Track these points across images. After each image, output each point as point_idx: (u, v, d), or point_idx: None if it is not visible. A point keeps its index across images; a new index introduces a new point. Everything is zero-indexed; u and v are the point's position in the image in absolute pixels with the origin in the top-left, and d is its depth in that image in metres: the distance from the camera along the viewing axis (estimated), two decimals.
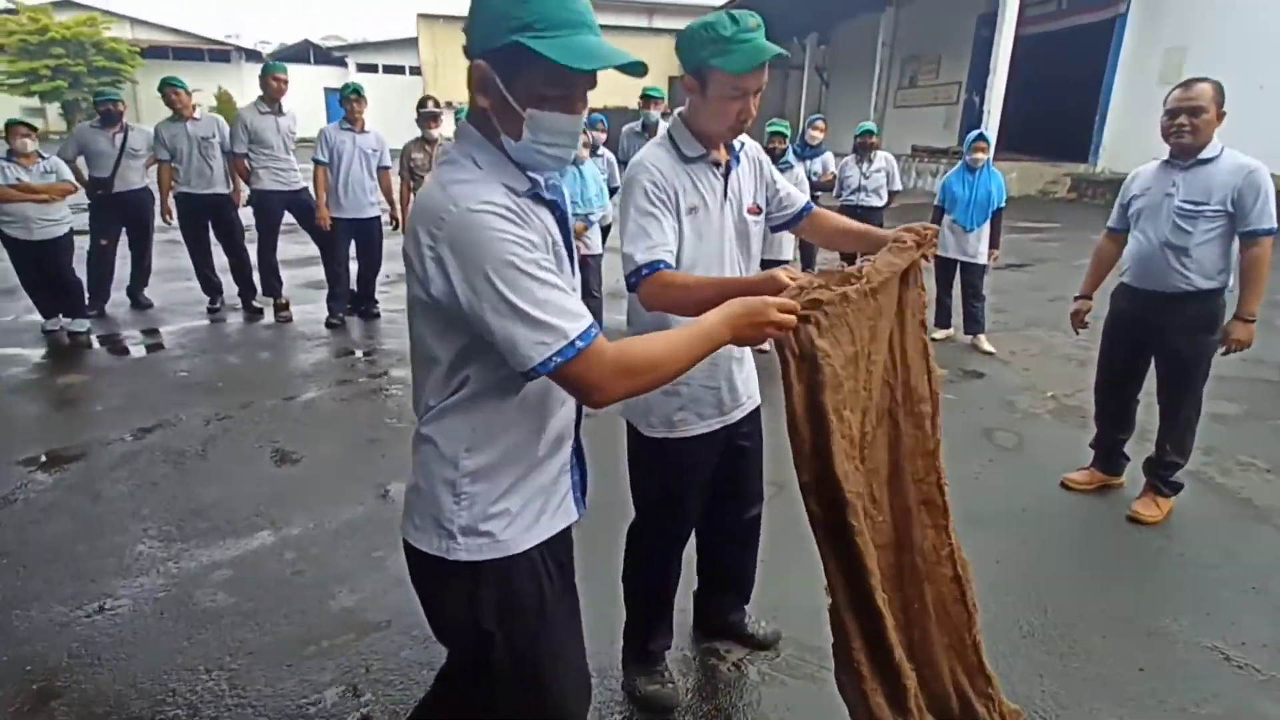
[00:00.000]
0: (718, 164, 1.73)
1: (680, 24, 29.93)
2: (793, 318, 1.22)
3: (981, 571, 2.71)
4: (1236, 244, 2.75)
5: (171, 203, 5.76)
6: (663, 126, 5.87)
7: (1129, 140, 14.71)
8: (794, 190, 1.93)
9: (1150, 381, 3.12)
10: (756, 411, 1.99)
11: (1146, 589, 2.66)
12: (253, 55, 35.39)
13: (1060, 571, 2.75)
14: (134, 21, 34.37)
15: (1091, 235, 10.58)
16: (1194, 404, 2.97)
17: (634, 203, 1.65)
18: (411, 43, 29.78)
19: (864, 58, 22.59)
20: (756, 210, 1.83)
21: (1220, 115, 2.66)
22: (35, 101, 30.36)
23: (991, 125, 14.47)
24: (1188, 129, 2.66)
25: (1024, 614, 2.49)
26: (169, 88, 5.54)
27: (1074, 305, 3.27)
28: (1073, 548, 2.93)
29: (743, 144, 1.82)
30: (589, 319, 1.09)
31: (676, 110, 1.76)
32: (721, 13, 1.55)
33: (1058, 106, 16.84)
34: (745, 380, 1.91)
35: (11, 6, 28.97)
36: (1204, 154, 2.70)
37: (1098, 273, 3.23)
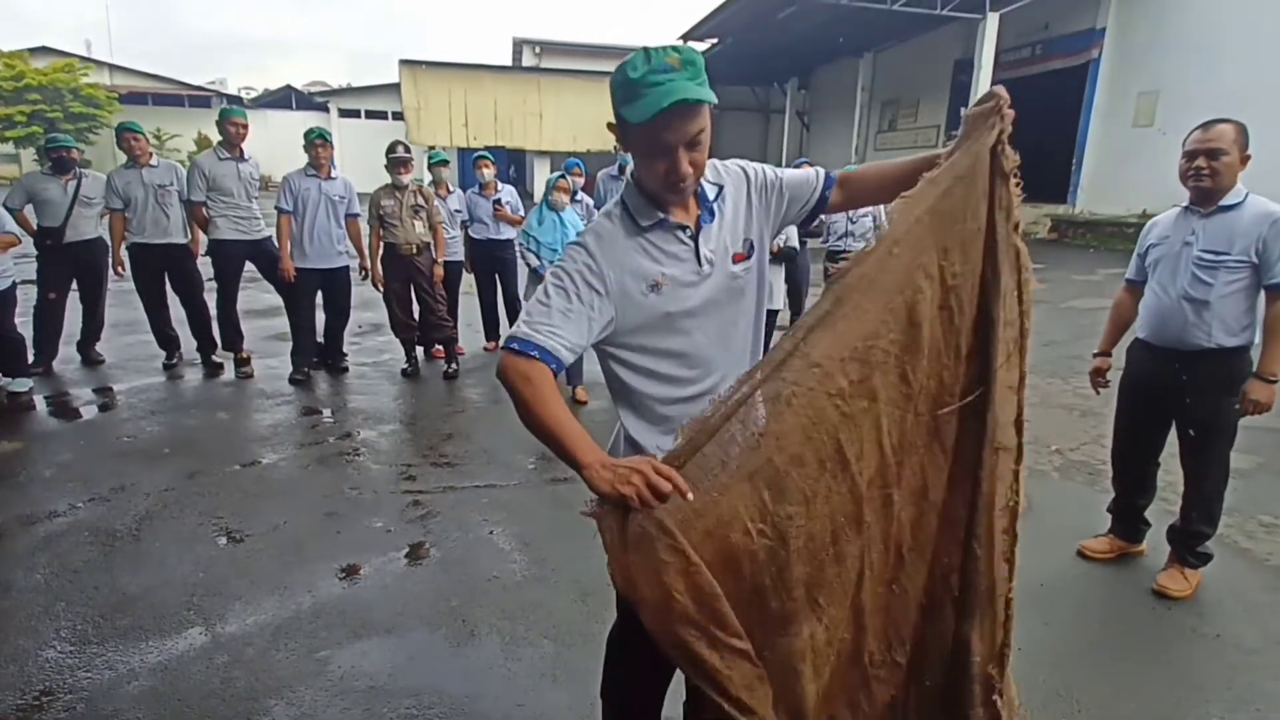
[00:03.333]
0: (683, 227, 1.41)
1: None
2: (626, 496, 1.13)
3: None
4: (1262, 297, 2.54)
5: (124, 254, 5.45)
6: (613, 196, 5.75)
7: (1106, 181, 14.89)
8: (803, 174, 1.58)
9: (1172, 443, 2.89)
10: None
11: (1183, 679, 2.38)
12: (234, 100, 35.37)
13: (1089, 659, 2.47)
14: (113, 68, 34.30)
15: (1075, 276, 10.60)
16: (1220, 469, 2.73)
17: (553, 273, 1.37)
18: (394, 88, 29.88)
19: (844, 102, 22.95)
20: (744, 255, 1.49)
21: (1244, 159, 2.46)
22: (10, 148, 30.08)
23: None
24: (1206, 172, 2.46)
25: (1054, 712, 2.20)
26: (127, 132, 5.29)
27: (1093, 363, 3.03)
28: (1099, 629, 2.65)
29: (720, 186, 1.48)
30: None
31: (630, 170, 1.44)
32: (640, 50, 1.25)
33: (1035, 148, 16.92)
34: None
35: None
36: (1225, 200, 2.50)
37: (1116, 327, 3.00)
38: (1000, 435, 1.26)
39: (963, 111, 1.34)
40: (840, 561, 1.28)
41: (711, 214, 1.45)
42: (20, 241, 4.96)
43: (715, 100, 1.26)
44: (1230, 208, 2.50)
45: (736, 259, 1.48)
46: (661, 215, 1.40)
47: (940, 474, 1.33)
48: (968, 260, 1.27)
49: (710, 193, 1.46)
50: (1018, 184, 1.27)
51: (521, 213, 6.14)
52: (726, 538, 1.22)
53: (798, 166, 5.63)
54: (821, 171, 1.60)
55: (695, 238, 1.42)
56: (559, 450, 1.26)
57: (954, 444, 1.33)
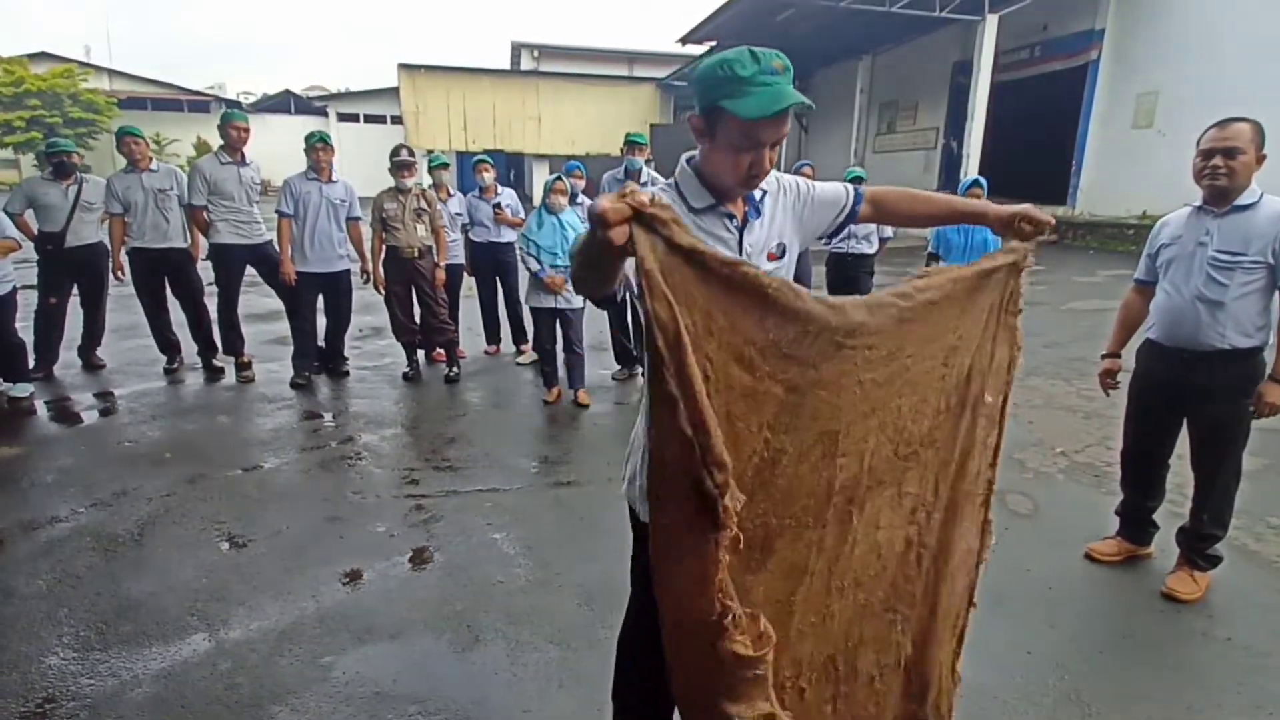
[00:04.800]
0: (731, 216, 1.49)
1: (660, 73, 30.45)
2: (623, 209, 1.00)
3: (1011, 664, 2.42)
4: (1277, 298, 2.52)
5: (124, 258, 5.43)
6: (646, 172, 5.72)
7: (1106, 183, 14.90)
8: (834, 190, 1.66)
9: (1181, 445, 2.87)
10: None
11: (1195, 683, 2.36)
12: (233, 105, 35.40)
13: (1098, 663, 2.45)
14: (112, 73, 34.33)
15: (1075, 277, 10.59)
16: (1232, 472, 2.71)
17: None
18: (393, 92, 29.90)
19: (842, 104, 22.95)
20: (776, 255, 1.58)
21: (1260, 158, 2.44)
22: (9, 153, 30.08)
23: (971, 169, 14.62)
24: (1223, 171, 2.44)
25: (1065, 716, 2.19)
26: (127, 137, 5.28)
27: (1102, 364, 3.01)
28: (1108, 633, 2.63)
29: (765, 190, 1.56)
30: None
31: (685, 156, 1.51)
32: (744, 49, 1.32)
33: (1035, 150, 17.07)
34: None
35: None
36: (1241, 200, 2.48)
37: (1126, 328, 2.98)
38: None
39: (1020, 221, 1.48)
40: (795, 542, 1.28)
41: (757, 212, 1.54)
42: (21, 246, 4.94)
43: (815, 107, 1.40)
44: (1246, 207, 2.48)
45: (770, 258, 1.57)
46: (714, 200, 1.47)
47: (894, 518, 1.40)
48: (970, 330, 1.39)
49: (757, 194, 1.54)
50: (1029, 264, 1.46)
51: (522, 216, 6.13)
52: (741, 396, 1.16)
53: (797, 170, 5.65)
54: (851, 189, 1.67)
55: (741, 229, 1.50)
56: (588, 249, 1.11)
57: (913, 494, 1.41)
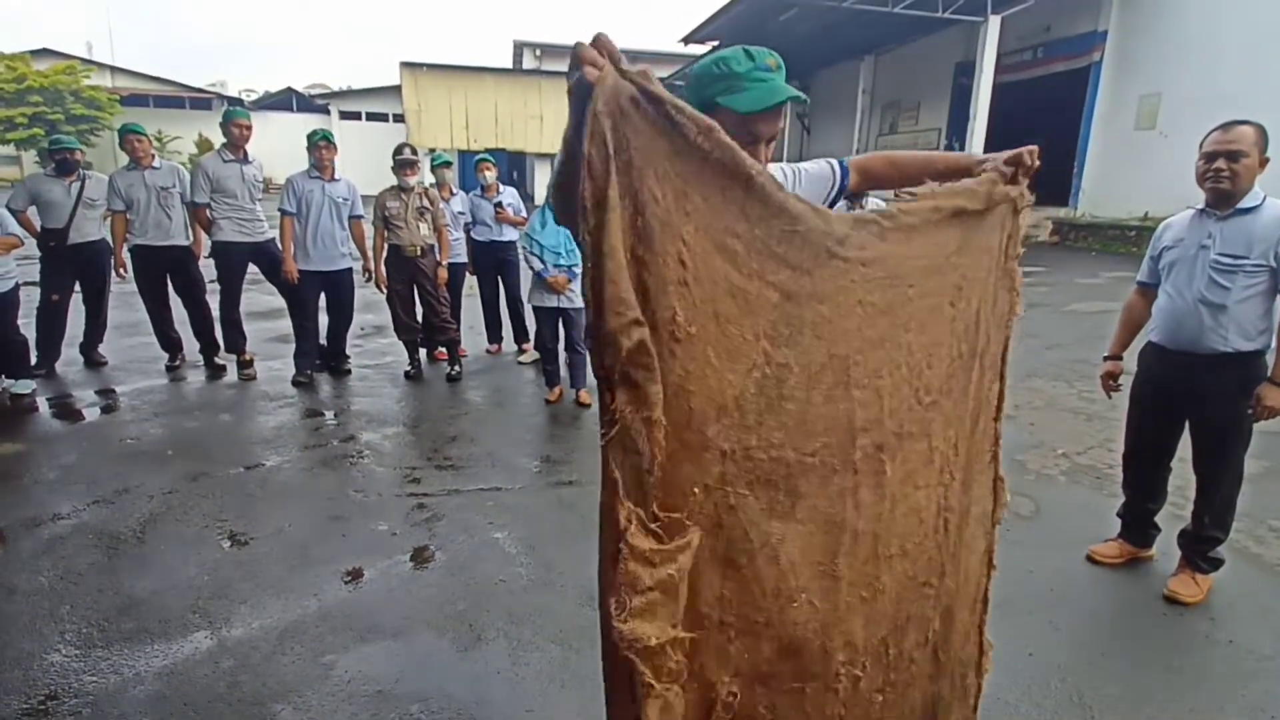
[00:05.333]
0: None
1: (663, 72, 30.34)
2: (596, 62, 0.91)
3: (1014, 666, 2.43)
4: (1279, 301, 2.52)
5: (126, 256, 5.44)
6: None
7: (1108, 184, 14.89)
8: (819, 170, 1.67)
9: (1184, 447, 2.87)
10: None
11: (1197, 685, 2.36)
12: (235, 102, 35.41)
13: (1100, 664, 2.45)
14: (114, 70, 34.38)
15: (1077, 279, 10.59)
16: (1234, 475, 2.71)
17: None
18: (394, 90, 29.93)
19: (845, 104, 22.96)
20: None
21: (1263, 161, 2.44)
22: (11, 150, 30.10)
23: None
24: (1226, 174, 2.44)
25: (1068, 719, 2.19)
26: (130, 134, 5.28)
27: (1104, 366, 3.01)
28: (1110, 635, 2.63)
29: None
30: None
31: None
32: (739, 48, 1.35)
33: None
34: None
35: None
36: (1243, 203, 2.47)
37: (1128, 331, 2.98)
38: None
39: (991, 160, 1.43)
40: (824, 486, 1.15)
41: None
42: (23, 243, 4.95)
43: (808, 100, 1.43)
44: (1248, 210, 2.48)
45: None
46: None
47: (929, 476, 1.30)
48: (973, 271, 1.30)
49: None
50: (1027, 205, 1.40)
51: (523, 214, 6.13)
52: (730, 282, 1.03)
53: None
54: (835, 162, 1.68)
55: None
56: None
57: (941, 450, 1.31)
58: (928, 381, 1.24)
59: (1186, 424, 2.80)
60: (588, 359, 5.29)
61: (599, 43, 0.94)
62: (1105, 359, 3.02)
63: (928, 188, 1.25)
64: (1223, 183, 2.45)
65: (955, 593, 1.38)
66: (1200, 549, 2.80)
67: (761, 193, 1.01)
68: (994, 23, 15.00)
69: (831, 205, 1.69)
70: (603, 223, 0.91)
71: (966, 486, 1.37)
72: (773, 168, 1.62)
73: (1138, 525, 3.04)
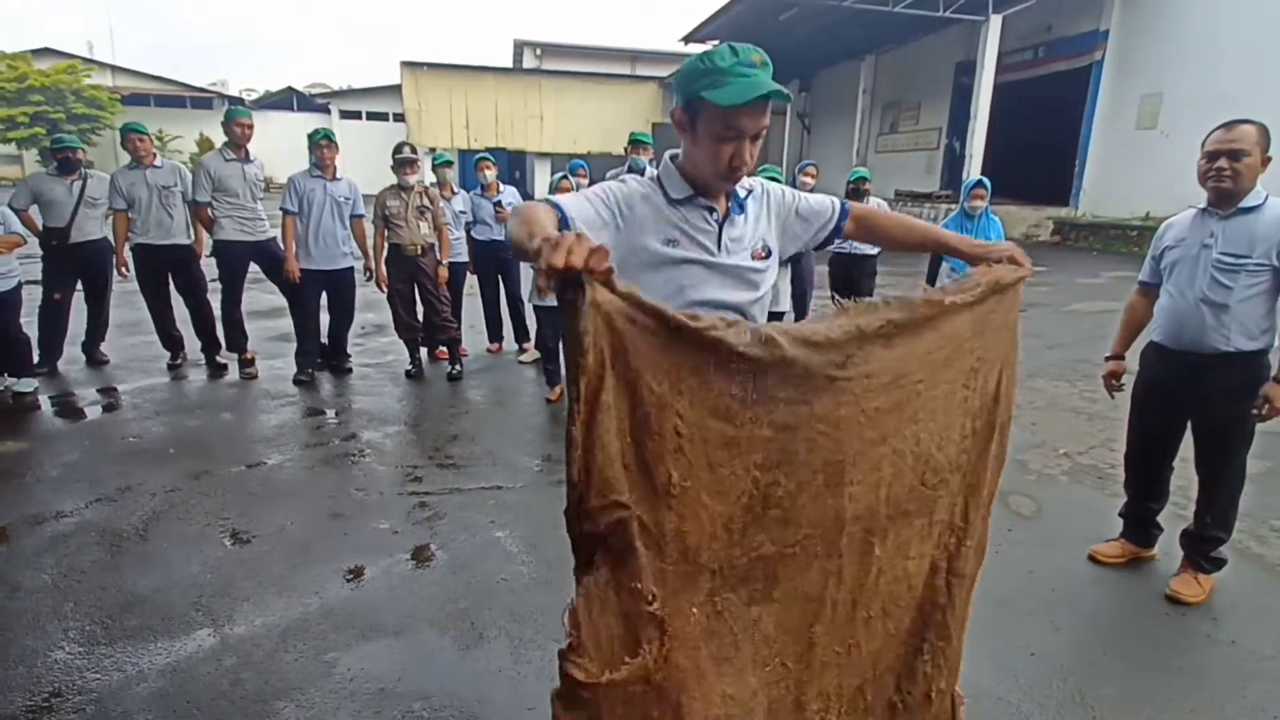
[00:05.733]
0: (711, 209, 1.49)
1: (663, 71, 30.42)
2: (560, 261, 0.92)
3: (1015, 665, 2.43)
4: None
5: (128, 254, 5.44)
6: (650, 171, 5.72)
7: (1109, 184, 14.90)
8: (821, 203, 1.66)
9: (1186, 447, 2.87)
10: None
11: (1199, 685, 2.36)
12: (236, 102, 35.42)
13: (1101, 664, 2.45)
14: (115, 69, 34.38)
15: (1078, 279, 10.59)
16: (1237, 474, 2.71)
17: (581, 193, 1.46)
18: (395, 89, 29.92)
19: (845, 104, 22.96)
20: (762, 255, 1.57)
21: (1265, 160, 2.44)
22: (12, 149, 30.11)
23: (973, 170, 14.62)
24: (1228, 173, 2.43)
25: (1070, 719, 2.20)
26: (132, 134, 5.28)
27: (1106, 366, 3.01)
28: (1112, 634, 2.64)
29: (750, 190, 1.57)
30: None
31: (668, 153, 1.52)
32: (725, 44, 1.35)
33: (1037, 151, 17.07)
34: None
35: None
36: (1245, 202, 2.47)
37: (1130, 330, 2.98)
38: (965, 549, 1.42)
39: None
40: (804, 570, 1.24)
41: (740, 209, 1.53)
42: (25, 242, 4.96)
43: (791, 98, 1.35)
44: (1250, 209, 2.48)
45: (756, 256, 1.56)
46: (693, 192, 1.47)
47: (923, 547, 1.37)
48: (991, 351, 1.37)
49: (741, 192, 1.54)
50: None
51: None
52: (722, 438, 1.11)
53: (802, 170, 5.60)
54: (838, 203, 1.68)
55: (721, 223, 1.50)
56: (525, 240, 1.09)
57: (943, 521, 1.38)
58: (936, 464, 1.31)
59: (1189, 424, 2.80)
60: None
61: (589, 264, 0.93)
62: (1107, 359, 3.02)
63: (942, 292, 1.30)
64: (1225, 182, 2.45)
65: (956, 644, 1.45)
66: (1202, 549, 2.80)
67: (749, 359, 1.08)
68: (995, 22, 15.01)
69: (826, 243, 1.70)
70: (594, 420, 0.99)
71: (979, 550, 1.45)
72: (774, 189, 1.62)
73: (1140, 525, 3.04)
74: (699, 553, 1.12)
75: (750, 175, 1.54)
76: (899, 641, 1.40)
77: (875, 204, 5.90)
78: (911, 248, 1.71)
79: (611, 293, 0.97)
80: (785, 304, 5.15)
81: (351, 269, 5.57)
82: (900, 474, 1.27)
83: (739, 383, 1.09)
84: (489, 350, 6.50)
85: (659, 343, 1.03)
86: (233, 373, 5.65)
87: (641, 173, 5.62)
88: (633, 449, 1.04)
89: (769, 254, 1.58)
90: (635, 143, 5.69)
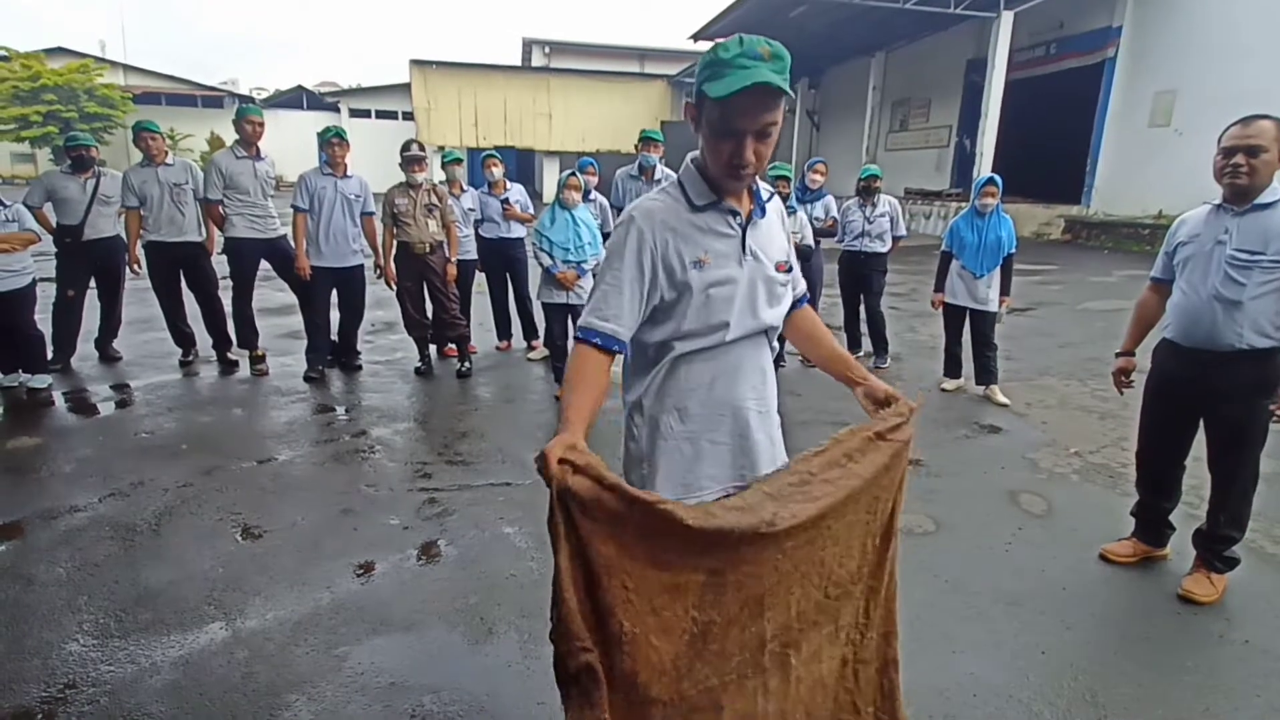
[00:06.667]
0: (734, 212, 1.45)
1: (672, 69, 30.38)
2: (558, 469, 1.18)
3: (1026, 664, 2.42)
4: None
5: (140, 252, 5.48)
6: (660, 169, 5.72)
7: (1121, 182, 14.79)
8: (799, 273, 1.66)
9: (1199, 446, 2.85)
10: None
11: (1212, 686, 2.34)
12: (246, 100, 35.62)
13: (1113, 664, 2.44)
14: (127, 68, 34.64)
15: (1090, 278, 10.53)
16: (1250, 473, 2.69)
17: (610, 253, 1.43)
18: (404, 88, 30.01)
19: (855, 101, 22.87)
20: (785, 268, 1.55)
21: None
22: (26, 147, 30.38)
23: (984, 168, 14.55)
24: (1244, 169, 2.41)
25: (1081, 718, 2.18)
26: (144, 132, 5.32)
27: (1116, 363, 2.99)
28: (1123, 634, 2.62)
29: (771, 195, 1.55)
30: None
31: (691, 154, 1.49)
32: (736, 35, 1.31)
33: (1049, 149, 16.96)
34: (771, 443, 1.60)
35: (4, 54, 29.11)
36: (1261, 198, 2.45)
37: (1141, 327, 2.96)
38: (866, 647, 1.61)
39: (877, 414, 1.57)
40: (741, 693, 1.39)
41: (763, 211, 1.51)
42: (40, 239, 5.00)
43: (794, 95, 1.33)
44: (1266, 206, 2.45)
45: (779, 268, 1.54)
46: (716, 198, 1.44)
47: (833, 650, 1.54)
48: (891, 478, 1.53)
49: (764, 193, 1.52)
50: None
51: (531, 211, 6.14)
52: (671, 585, 1.27)
53: (811, 167, 5.56)
54: (804, 289, 1.72)
55: (744, 227, 1.47)
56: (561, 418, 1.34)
57: (849, 624, 1.56)
58: (838, 578, 1.48)
59: (1201, 422, 2.78)
60: None
61: (564, 458, 1.18)
62: (1118, 355, 3.00)
63: (858, 439, 1.48)
64: (1241, 178, 2.43)
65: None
66: (1216, 548, 2.78)
67: (694, 531, 1.22)
68: (1006, 18, 14.93)
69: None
70: (558, 577, 1.18)
71: (869, 637, 1.62)
72: (772, 209, 1.58)
73: (1152, 524, 3.02)
74: (649, 688, 1.27)
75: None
76: None
77: (887, 202, 5.89)
78: (817, 363, 1.73)
79: (576, 473, 1.18)
80: None
81: (362, 266, 5.59)
82: (808, 594, 1.43)
83: (679, 541, 1.23)
84: (498, 348, 6.52)
85: (613, 516, 1.19)
86: (244, 369, 5.69)
87: (652, 170, 5.64)
88: (589, 598, 1.21)
89: (790, 269, 1.57)
90: (646, 140, 5.69)
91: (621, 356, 1.44)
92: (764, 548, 1.32)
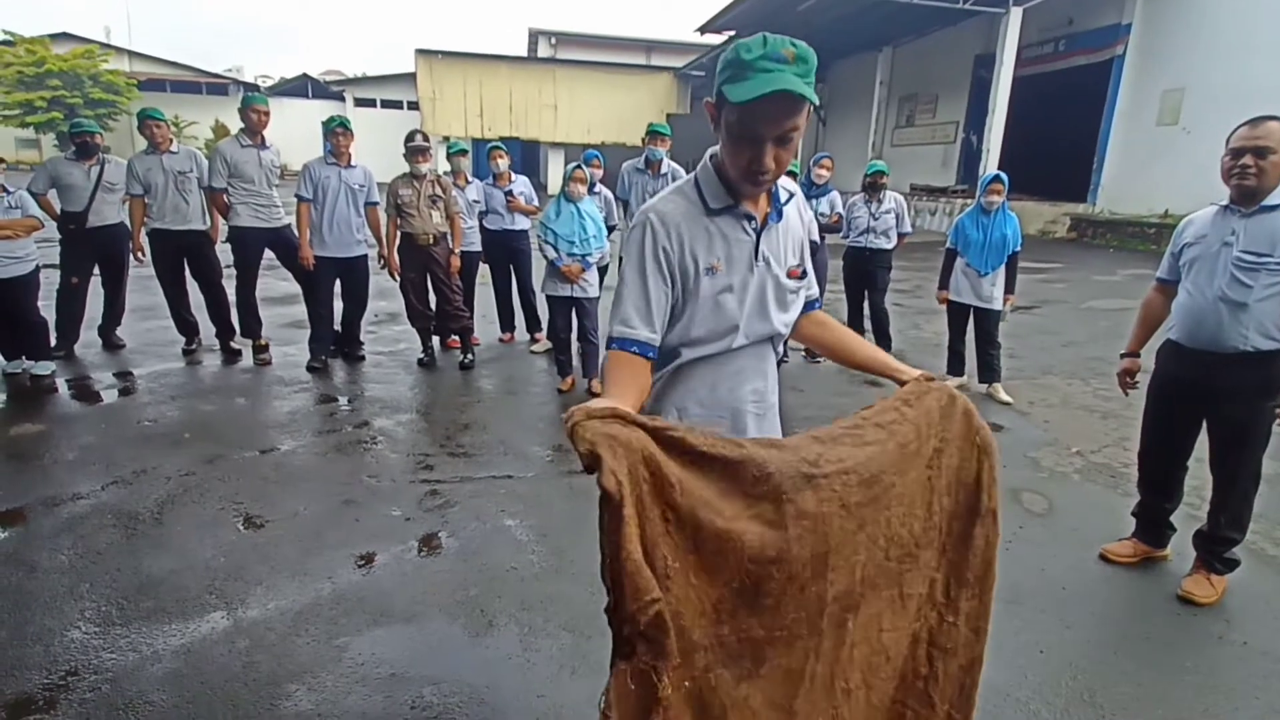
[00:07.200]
0: (750, 217, 1.43)
1: (678, 62, 30.31)
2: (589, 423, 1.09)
3: (1025, 663, 2.42)
4: None
5: (144, 239, 5.48)
6: (667, 163, 5.69)
7: (1128, 181, 14.72)
8: (813, 272, 1.63)
9: (1201, 447, 2.84)
10: None
11: (1211, 686, 2.35)
12: (251, 89, 35.58)
13: (1112, 663, 2.44)
14: (132, 55, 34.56)
15: (1095, 276, 10.49)
16: (1251, 475, 2.69)
17: (627, 258, 1.41)
18: (409, 78, 29.93)
19: (862, 96, 22.77)
20: (799, 274, 1.53)
21: None
22: (30, 133, 30.36)
23: (991, 165, 14.49)
24: (1252, 171, 2.40)
25: (1079, 717, 2.18)
26: (149, 120, 5.31)
27: (1121, 364, 2.99)
28: (1123, 634, 2.62)
29: (791, 195, 1.52)
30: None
31: (709, 152, 1.45)
32: (760, 34, 1.25)
33: (1055, 146, 16.89)
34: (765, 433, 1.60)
35: (9, 38, 29.07)
36: (1269, 200, 2.44)
37: (1146, 328, 2.95)
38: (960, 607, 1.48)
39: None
40: (789, 649, 1.32)
41: (780, 215, 1.48)
42: (44, 226, 5.00)
43: (817, 101, 1.27)
44: (1273, 208, 2.44)
45: (792, 274, 1.52)
46: (732, 202, 1.41)
47: (897, 620, 1.44)
48: (952, 431, 1.44)
49: (782, 195, 1.49)
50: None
51: (535, 203, 6.13)
52: (722, 532, 1.20)
53: (817, 162, 5.54)
54: (816, 291, 1.67)
55: (759, 231, 1.44)
56: None
57: (919, 594, 1.46)
58: (900, 538, 1.39)
59: (1204, 423, 2.77)
60: (600, 349, 5.31)
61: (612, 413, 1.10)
62: (1122, 356, 2.99)
63: (906, 393, 1.42)
64: (1248, 179, 2.42)
65: (930, 715, 1.52)
66: (1216, 549, 2.77)
67: (713, 457, 1.18)
68: (1015, 14, 14.84)
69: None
70: (619, 530, 1.11)
71: (950, 621, 1.50)
72: (807, 213, 1.57)
73: (1153, 524, 3.02)
74: (692, 631, 1.21)
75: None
76: (882, 711, 1.46)
77: (892, 198, 5.86)
78: (855, 366, 1.66)
79: (616, 419, 1.12)
80: None
81: (365, 256, 5.59)
82: (872, 555, 1.36)
83: (721, 483, 1.19)
84: (501, 340, 6.52)
85: (668, 462, 1.15)
86: (247, 359, 5.69)
87: (659, 164, 5.62)
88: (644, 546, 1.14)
89: (804, 274, 1.55)
90: (653, 134, 5.67)
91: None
92: (822, 498, 1.25)
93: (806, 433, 1.30)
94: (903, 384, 1.49)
